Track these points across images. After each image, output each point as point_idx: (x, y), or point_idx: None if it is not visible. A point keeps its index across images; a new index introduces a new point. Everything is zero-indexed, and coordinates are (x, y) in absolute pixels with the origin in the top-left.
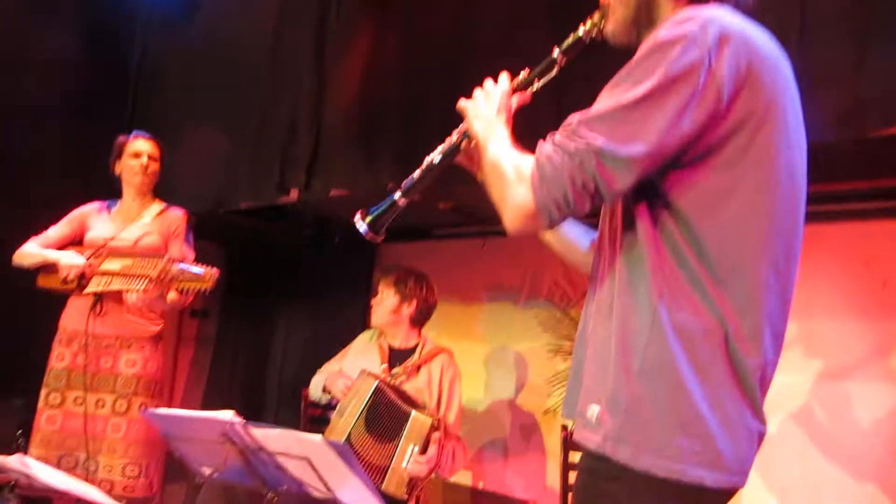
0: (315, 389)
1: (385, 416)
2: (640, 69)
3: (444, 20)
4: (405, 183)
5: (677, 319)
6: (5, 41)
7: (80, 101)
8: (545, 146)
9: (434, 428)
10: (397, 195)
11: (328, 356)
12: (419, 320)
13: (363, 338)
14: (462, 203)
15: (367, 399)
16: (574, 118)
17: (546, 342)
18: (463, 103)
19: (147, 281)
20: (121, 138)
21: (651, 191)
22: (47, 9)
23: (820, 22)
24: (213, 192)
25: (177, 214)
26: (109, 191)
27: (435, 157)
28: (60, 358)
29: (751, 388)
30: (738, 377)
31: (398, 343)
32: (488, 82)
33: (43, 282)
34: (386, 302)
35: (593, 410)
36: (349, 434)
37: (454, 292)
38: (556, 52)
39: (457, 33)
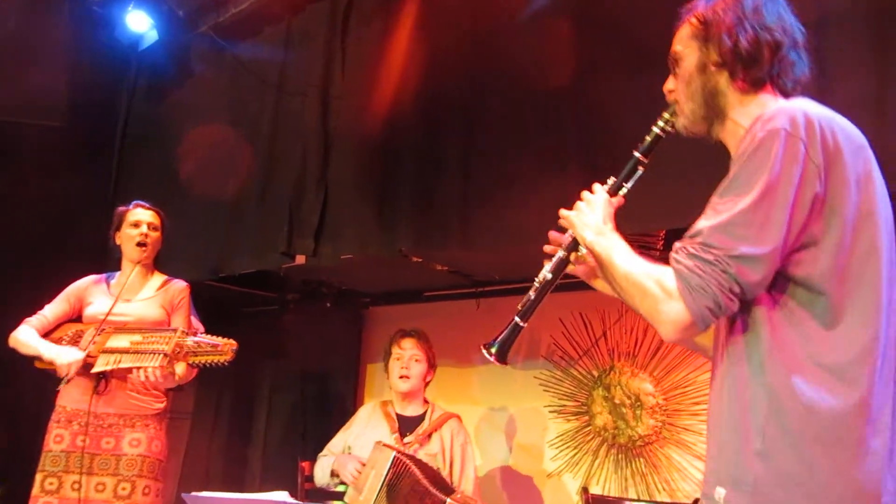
0: (322, 474)
1: (409, 492)
2: (747, 170)
3: (458, 70)
4: (522, 306)
5: (796, 393)
6: None
7: (61, 169)
8: (681, 258)
9: None
10: (518, 319)
11: (319, 420)
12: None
13: (365, 410)
14: (459, 265)
15: (385, 472)
16: (699, 228)
17: (547, 402)
18: (566, 213)
19: (161, 356)
20: (121, 208)
21: None
22: (27, 72)
23: None
24: (210, 260)
25: (179, 286)
26: (92, 262)
27: (546, 274)
28: (59, 440)
29: (878, 454)
30: (864, 446)
31: (408, 411)
32: (585, 193)
33: (41, 363)
34: (420, 367)
35: (720, 493)
36: None
37: (449, 355)
38: (637, 154)
39: (473, 84)
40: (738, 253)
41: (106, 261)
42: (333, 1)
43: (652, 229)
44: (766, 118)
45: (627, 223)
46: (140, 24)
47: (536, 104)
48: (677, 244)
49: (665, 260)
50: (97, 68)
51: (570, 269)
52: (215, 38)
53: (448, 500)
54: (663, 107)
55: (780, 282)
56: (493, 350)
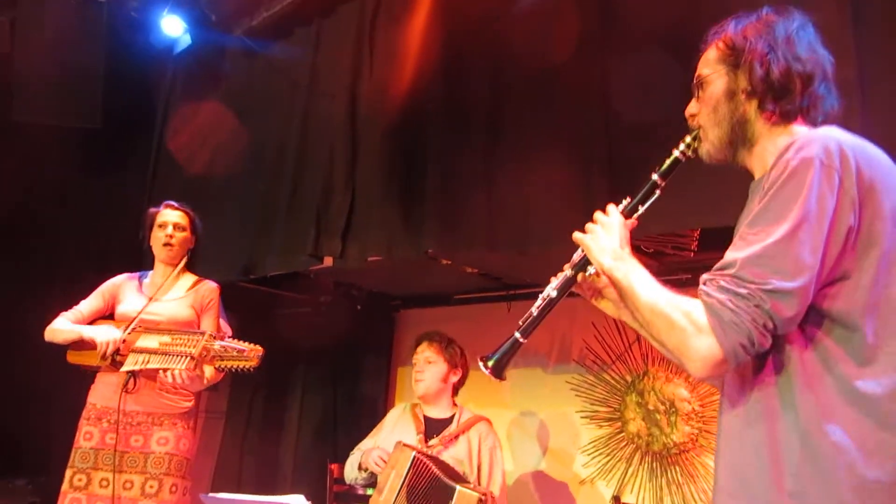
0: (351, 469)
1: (427, 488)
2: (781, 199)
3: (482, 72)
4: (523, 322)
5: (831, 434)
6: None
7: (100, 172)
8: (712, 291)
9: (482, 503)
10: (518, 335)
11: (349, 423)
12: (458, 389)
13: (395, 412)
14: (488, 268)
15: (405, 472)
16: (730, 259)
17: (579, 408)
18: (580, 237)
19: (188, 359)
20: (151, 210)
21: None
22: (66, 76)
23: None
24: (241, 261)
25: (210, 287)
26: (129, 263)
27: (551, 292)
28: (89, 437)
29: None
30: None
31: (435, 413)
32: (598, 214)
33: (73, 358)
34: (435, 369)
35: None
36: None
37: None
38: (655, 177)
39: (498, 85)
40: (772, 287)
41: (142, 262)
42: (362, 1)
43: (686, 228)
44: (798, 146)
45: (661, 222)
46: (174, 28)
47: (561, 105)
48: (706, 276)
49: (700, 268)
50: (133, 72)
51: (575, 288)
52: (247, 40)
53: (458, 487)
54: (685, 130)
55: (814, 318)
56: (490, 364)
